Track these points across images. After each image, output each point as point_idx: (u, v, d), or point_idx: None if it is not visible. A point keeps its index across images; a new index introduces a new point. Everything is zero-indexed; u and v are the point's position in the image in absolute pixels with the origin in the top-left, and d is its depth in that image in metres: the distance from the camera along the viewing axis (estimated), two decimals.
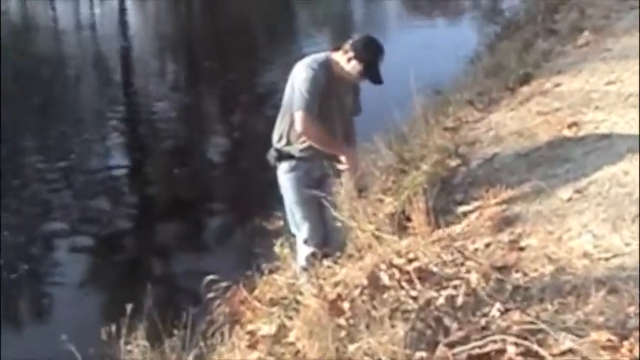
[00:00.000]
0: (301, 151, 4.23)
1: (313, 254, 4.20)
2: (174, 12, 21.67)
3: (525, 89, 5.82)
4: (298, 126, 4.07)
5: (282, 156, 4.30)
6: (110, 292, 6.15)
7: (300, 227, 4.37)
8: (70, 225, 7.28)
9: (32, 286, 6.40)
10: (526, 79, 6.00)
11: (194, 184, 8.28)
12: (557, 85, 5.65)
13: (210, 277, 3.91)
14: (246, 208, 7.22)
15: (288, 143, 4.27)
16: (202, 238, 7.07)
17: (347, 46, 4.14)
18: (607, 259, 2.93)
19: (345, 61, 4.14)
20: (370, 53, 4.12)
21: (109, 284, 6.31)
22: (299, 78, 4.10)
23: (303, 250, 4.35)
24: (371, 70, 4.11)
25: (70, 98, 12.16)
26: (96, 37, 17.06)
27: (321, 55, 4.24)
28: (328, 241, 4.23)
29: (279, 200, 4.45)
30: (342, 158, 4.19)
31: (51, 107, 11.38)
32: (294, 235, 4.50)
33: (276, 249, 3.71)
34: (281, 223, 4.85)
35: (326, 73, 4.12)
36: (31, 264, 6.60)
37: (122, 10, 20.83)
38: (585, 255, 3.00)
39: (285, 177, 4.32)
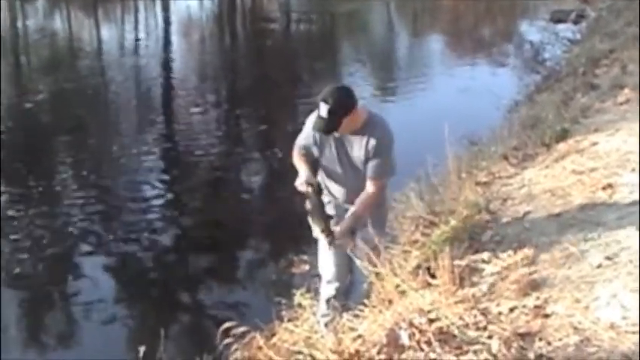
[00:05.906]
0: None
1: (333, 297, 4.19)
2: (218, 42, 21.97)
3: (561, 146, 5.75)
4: None
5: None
6: (138, 317, 6.21)
7: (325, 268, 4.33)
8: (102, 251, 7.32)
9: (58, 306, 6.51)
10: (563, 136, 5.93)
11: (231, 216, 8.27)
12: (594, 143, 5.58)
13: (229, 322, 3.88)
14: (281, 243, 7.21)
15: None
16: (233, 271, 7.04)
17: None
18: (634, 333, 2.86)
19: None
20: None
21: (137, 310, 6.36)
22: None
23: (325, 292, 4.34)
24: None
25: (109, 123, 12.31)
26: (139, 62, 17.25)
27: None
28: (351, 289, 4.18)
29: (311, 237, 4.26)
30: None
31: (89, 132, 11.53)
32: (319, 275, 4.44)
33: (297, 298, 3.67)
34: (307, 267, 4.81)
35: None
36: (61, 285, 6.73)
37: (166, 38, 21.19)
38: (612, 327, 2.93)
39: None
